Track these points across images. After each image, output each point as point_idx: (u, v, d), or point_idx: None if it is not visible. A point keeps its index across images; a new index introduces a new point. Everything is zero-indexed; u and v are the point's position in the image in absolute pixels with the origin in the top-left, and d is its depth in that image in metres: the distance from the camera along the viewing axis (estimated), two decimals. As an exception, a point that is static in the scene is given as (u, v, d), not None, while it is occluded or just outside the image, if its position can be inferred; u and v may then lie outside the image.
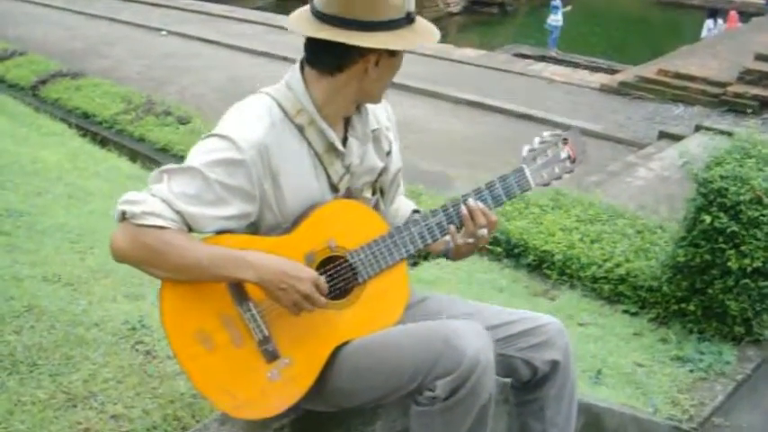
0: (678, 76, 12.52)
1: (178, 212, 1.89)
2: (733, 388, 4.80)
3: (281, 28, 15.58)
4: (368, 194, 2.22)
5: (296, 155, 2.03)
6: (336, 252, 2.06)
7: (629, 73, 13.76)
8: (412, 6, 2.00)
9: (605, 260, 5.99)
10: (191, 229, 1.93)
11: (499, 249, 6.39)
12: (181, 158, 8.93)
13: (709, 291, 5.15)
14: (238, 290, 1.98)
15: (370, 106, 2.19)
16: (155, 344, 3.11)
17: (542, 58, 17.27)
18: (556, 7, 19.54)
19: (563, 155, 2.22)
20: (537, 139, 2.23)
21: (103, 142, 9.77)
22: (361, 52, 1.97)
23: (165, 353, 3.06)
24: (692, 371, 4.92)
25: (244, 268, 1.92)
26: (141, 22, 18.22)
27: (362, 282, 2.09)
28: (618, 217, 6.68)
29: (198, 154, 1.95)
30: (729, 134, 9.21)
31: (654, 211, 7.15)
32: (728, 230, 4.94)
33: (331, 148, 2.08)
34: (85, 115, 10.82)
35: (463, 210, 2.12)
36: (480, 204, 2.13)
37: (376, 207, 2.23)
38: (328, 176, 2.09)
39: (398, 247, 2.10)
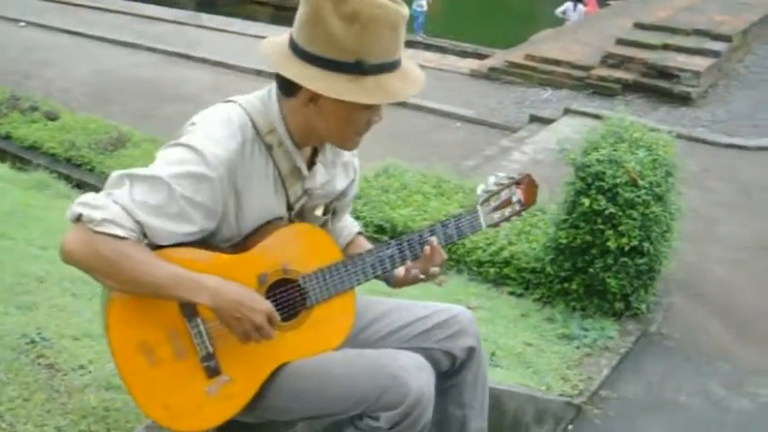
0: (545, 60, 12.90)
1: (138, 222, 1.83)
2: (617, 361, 5.07)
3: (147, 17, 15.17)
4: (318, 213, 2.22)
5: (261, 174, 2.00)
6: (289, 275, 2.06)
7: (497, 58, 14.08)
8: (370, 57, 1.84)
9: (489, 244, 6.17)
10: (148, 241, 1.87)
11: (385, 237, 6.46)
12: (52, 156, 8.72)
13: (590, 270, 5.41)
14: (189, 305, 1.95)
15: None
16: (56, 356, 3.01)
17: (410, 44, 17.45)
18: None
19: (515, 198, 2.29)
20: (492, 180, 2.29)
21: (-36, 143, 9.33)
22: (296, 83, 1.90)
23: (69, 365, 2.97)
24: (578, 347, 5.15)
25: (200, 292, 1.88)
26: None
27: (310, 306, 2.10)
28: (499, 201, 6.85)
29: (165, 164, 1.88)
30: (597, 116, 9.67)
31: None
32: (606, 212, 5.18)
33: (296, 170, 2.06)
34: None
35: (426, 249, 2.15)
36: (437, 243, 2.17)
37: (324, 225, 2.24)
38: (287, 196, 2.08)
39: (350, 275, 2.12)
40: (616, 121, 5.73)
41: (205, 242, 1.98)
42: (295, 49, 1.89)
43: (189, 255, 1.93)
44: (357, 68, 1.84)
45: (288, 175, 2.05)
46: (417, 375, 2.01)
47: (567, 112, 10.77)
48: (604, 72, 12.07)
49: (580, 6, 17.67)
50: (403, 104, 11.91)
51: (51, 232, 4.98)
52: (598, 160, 5.23)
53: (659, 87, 11.58)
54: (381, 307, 2.37)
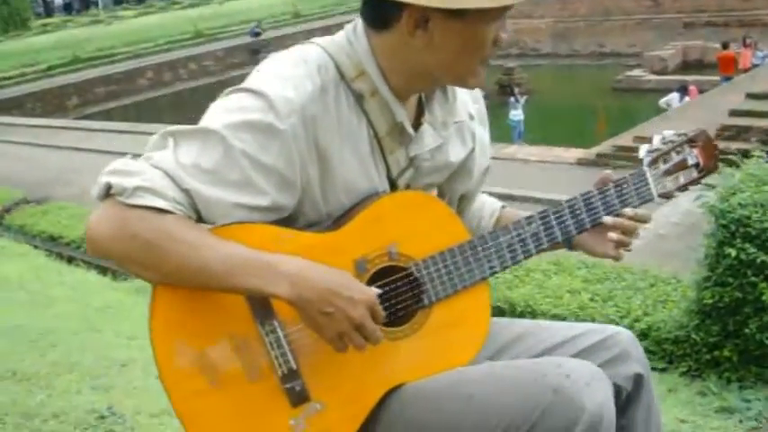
0: (655, 141, 12.35)
1: (185, 191, 1.38)
2: (789, 435, 4.30)
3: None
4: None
5: (351, 132, 1.49)
6: (398, 262, 1.53)
7: (605, 145, 13.64)
8: None
9: (622, 317, 5.52)
10: (200, 218, 1.42)
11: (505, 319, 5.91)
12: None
13: (745, 331, 4.69)
14: (261, 301, 1.44)
15: (459, 91, 1.67)
16: (128, 433, 2.59)
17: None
18: (516, 102, 19.68)
19: (690, 160, 1.76)
20: (657, 138, 1.77)
21: (71, 260, 9.29)
22: (398, 5, 1.42)
23: (142, 441, 2.54)
24: (741, 421, 4.41)
25: (274, 280, 1.36)
26: (108, 149, 17.95)
27: (429, 304, 1.57)
28: (626, 272, 6.27)
29: (219, 112, 1.43)
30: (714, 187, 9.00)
31: (660, 265, 6.75)
32: (758, 261, 4.51)
33: (396, 129, 1.55)
34: (52, 238, 10.37)
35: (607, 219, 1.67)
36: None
37: None
38: (387, 166, 1.57)
39: (481, 261, 1.58)
40: (752, 165, 5.13)
41: (284, 224, 1.48)
42: None
43: (258, 232, 1.42)
44: None
45: (386, 136, 1.54)
46: (591, 388, 1.44)
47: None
48: (722, 145, 11.34)
49: (686, 98, 17.22)
50: (509, 198, 11.50)
51: (144, 324, 4.65)
52: (740, 204, 4.61)
53: (783, 153, 10.84)
54: (515, 329, 1.80)
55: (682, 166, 1.74)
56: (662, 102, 17.83)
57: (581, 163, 13.09)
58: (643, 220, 1.70)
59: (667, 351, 5.19)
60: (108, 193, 1.38)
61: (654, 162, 1.72)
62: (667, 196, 1.75)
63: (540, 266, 6.58)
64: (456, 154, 1.70)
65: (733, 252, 4.58)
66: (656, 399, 1.84)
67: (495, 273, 1.61)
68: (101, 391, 3.03)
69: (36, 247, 9.25)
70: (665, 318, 5.26)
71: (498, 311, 5.93)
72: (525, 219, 1.63)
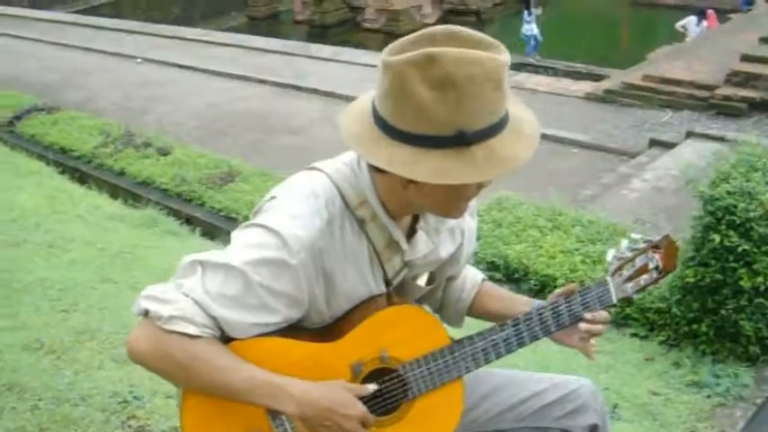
0: (664, 80, 12.37)
1: (212, 317, 1.62)
2: (753, 413, 4.61)
3: (257, 50, 15.41)
4: (421, 283, 1.95)
5: (353, 252, 1.73)
6: (388, 364, 1.80)
7: (614, 80, 13.59)
8: (473, 124, 1.52)
9: (609, 282, 5.78)
10: (222, 333, 1.66)
11: (498, 275, 6.18)
12: (164, 191, 8.83)
13: (722, 311, 4.96)
14: None
15: None
16: (148, 417, 2.88)
17: (521, 66, 17.10)
18: (528, 15, 19.58)
19: (652, 264, 1.94)
20: (625, 244, 1.96)
21: (83, 178, 9.52)
22: None
23: (160, 427, 2.84)
24: (709, 396, 4.72)
25: (283, 400, 1.64)
26: (115, 50, 17.97)
27: (412, 398, 1.84)
28: (619, 235, 6.48)
29: (240, 249, 1.65)
30: (721, 139, 9.14)
31: (654, 225, 6.96)
32: (739, 249, 4.75)
33: (393, 244, 1.78)
34: (63, 150, 10.56)
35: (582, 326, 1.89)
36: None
37: (434, 291, 2.00)
38: (384, 272, 1.81)
39: (458, 363, 1.84)
40: (747, 148, 5.29)
41: (292, 326, 1.74)
42: (382, 125, 1.58)
43: (271, 346, 1.70)
44: (459, 140, 1.52)
45: (384, 249, 1.77)
46: None
47: (689, 135, 10.24)
48: (729, 91, 11.44)
49: (704, 23, 16.99)
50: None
51: (155, 275, 4.94)
52: (729, 192, 4.81)
53: (790, 106, 10.91)
54: (492, 381, 2.08)
55: (643, 270, 1.94)
56: (678, 25, 17.63)
57: (589, 98, 13.11)
58: (603, 321, 1.93)
59: (649, 319, 5.48)
60: (146, 314, 1.62)
61: (618, 269, 1.93)
62: (627, 300, 1.97)
63: (537, 223, 6.79)
64: (446, 250, 1.95)
65: (717, 237, 4.81)
66: None
67: (470, 371, 1.87)
68: (120, 365, 3.32)
69: (48, 163, 9.44)
70: (650, 289, 5.49)
71: (493, 267, 6.22)
72: (498, 325, 1.87)
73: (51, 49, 18.51)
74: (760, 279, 4.76)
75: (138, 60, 17.21)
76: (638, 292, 1.95)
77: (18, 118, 11.82)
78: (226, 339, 1.67)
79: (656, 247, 1.95)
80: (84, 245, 5.38)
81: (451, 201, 1.68)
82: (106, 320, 3.79)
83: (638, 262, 1.93)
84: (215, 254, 1.66)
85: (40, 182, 7.99)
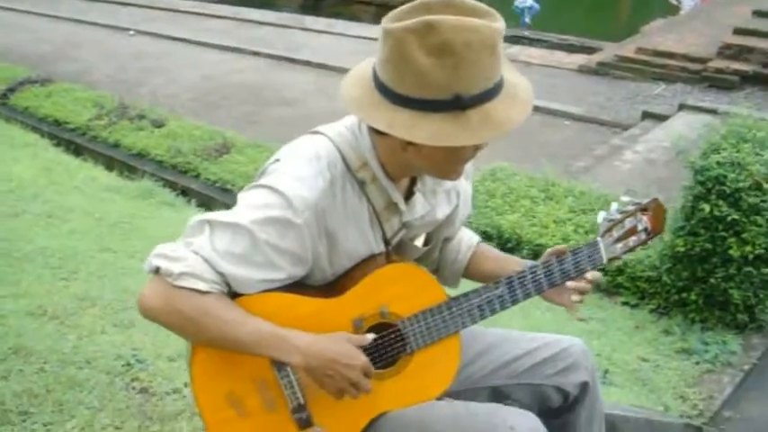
0: (657, 53, 12.38)
1: (220, 273, 1.70)
2: (741, 379, 4.72)
3: (251, 22, 15.31)
4: (419, 243, 2.04)
5: (354, 212, 1.82)
6: (388, 319, 1.90)
7: (607, 52, 13.61)
8: (470, 89, 1.59)
9: (601, 251, 5.86)
10: (230, 289, 1.74)
11: (492, 245, 6.23)
12: (158, 163, 8.85)
13: (711, 279, 5.08)
14: None
15: None
16: (151, 380, 2.96)
17: (515, 39, 17.07)
18: None
19: (640, 226, 2.03)
20: (615, 207, 2.06)
21: (78, 151, 9.54)
22: None
23: (163, 389, 2.91)
24: (697, 363, 4.84)
25: (289, 352, 1.73)
26: (108, 23, 17.87)
27: (411, 352, 1.93)
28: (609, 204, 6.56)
29: (247, 208, 1.72)
30: (713, 112, 9.19)
31: (645, 196, 6.98)
32: (729, 218, 4.85)
33: (391, 205, 1.87)
34: (57, 123, 10.55)
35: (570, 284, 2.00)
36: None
37: (430, 252, 2.09)
38: (383, 231, 1.90)
39: (455, 318, 1.93)
40: (738, 120, 5.36)
41: (296, 283, 1.82)
42: (383, 89, 1.66)
43: (277, 301, 1.78)
44: (456, 104, 1.59)
45: (383, 210, 1.86)
46: None
47: (681, 107, 10.27)
48: (722, 64, 11.47)
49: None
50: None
51: (153, 245, 4.98)
52: (719, 163, 4.89)
53: (781, 79, 10.95)
54: (486, 339, 2.18)
55: (632, 231, 2.03)
56: None
57: (582, 70, 13.13)
58: (595, 281, 2.02)
59: (640, 288, 5.59)
60: (157, 271, 1.69)
61: (608, 231, 2.01)
62: (616, 259, 2.05)
63: (530, 193, 6.86)
64: (443, 212, 2.04)
65: (707, 207, 4.90)
66: (600, 399, 2.23)
67: (466, 326, 1.96)
68: (122, 329, 3.39)
69: (42, 135, 9.46)
70: (641, 257, 5.60)
71: (486, 237, 6.28)
72: (493, 283, 1.96)
73: (44, 21, 18.37)
74: (749, 248, 4.85)
75: (131, 33, 17.11)
76: (626, 252, 2.03)
77: (12, 90, 11.78)
78: (233, 295, 1.75)
79: (644, 209, 2.03)
80: (82, 215, 5.43)
81: (449, 163, 1.76)
82: (106, 288, 3.85)
83: (628, 224, 2.02)
84: (222, 213, 1.73)
85: (35, 154, 8.02)
